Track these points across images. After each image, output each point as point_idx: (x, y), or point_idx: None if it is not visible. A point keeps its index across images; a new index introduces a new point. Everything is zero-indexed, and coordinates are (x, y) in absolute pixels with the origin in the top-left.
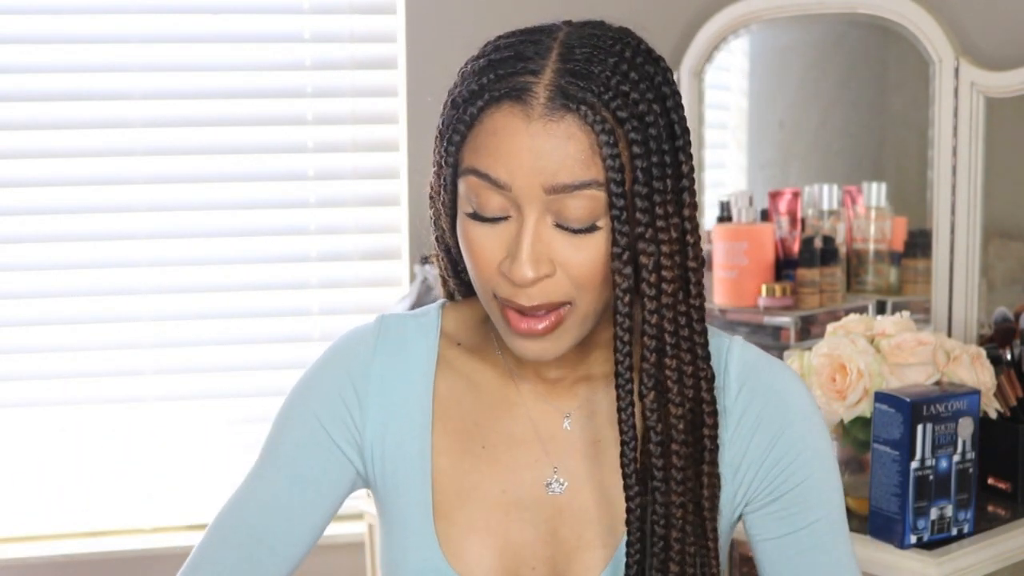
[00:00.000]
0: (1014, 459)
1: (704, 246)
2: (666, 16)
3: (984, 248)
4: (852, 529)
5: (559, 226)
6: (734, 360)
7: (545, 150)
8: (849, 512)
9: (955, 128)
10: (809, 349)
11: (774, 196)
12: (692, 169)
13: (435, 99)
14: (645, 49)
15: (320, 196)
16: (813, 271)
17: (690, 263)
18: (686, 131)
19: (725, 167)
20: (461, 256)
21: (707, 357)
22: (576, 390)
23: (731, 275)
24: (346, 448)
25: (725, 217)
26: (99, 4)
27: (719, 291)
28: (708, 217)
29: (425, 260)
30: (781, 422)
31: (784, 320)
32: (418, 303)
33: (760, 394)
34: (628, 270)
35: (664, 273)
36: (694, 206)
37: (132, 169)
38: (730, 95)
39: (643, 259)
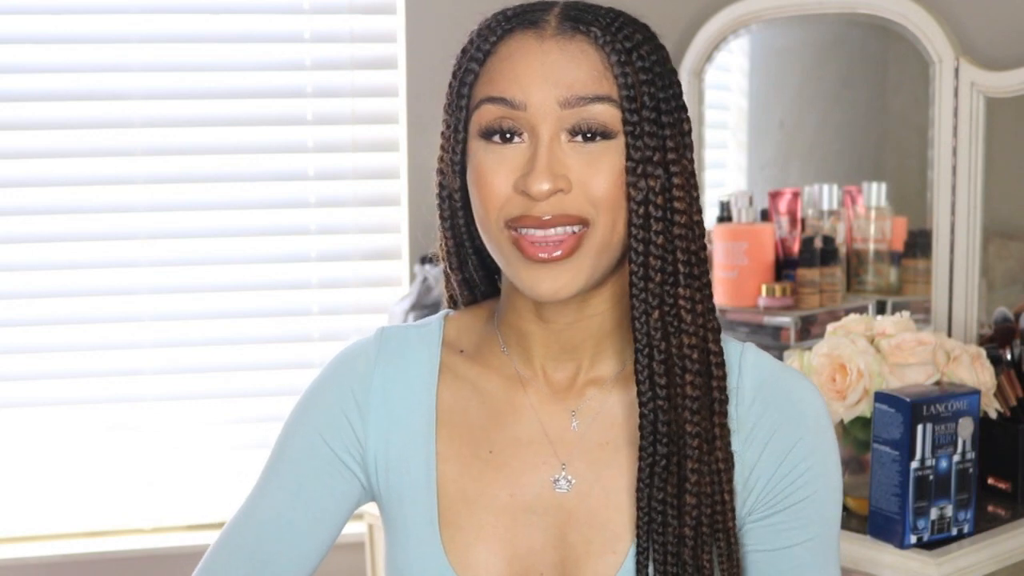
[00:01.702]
0: (1014, 459)
1: None
2: (666, 16)
3: (984, 248)
4: (852, 529)
5: (574, 141)
6: (748, 366)
7: (559, 64)
8: (849, 512)
9: (955, 128)
10: (809, 349)
11: (774, 196)
12: (690, 131)
13: (435, 98)
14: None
15: (320, 196)
16: (813, 271)
17: (695, 215)
18: (682, 98)
19: (725, 167)
20: (466, 245)
21: (711, 296)
22: (585, 392)
23: (731, 275)
24: (350, 462)
25: (725, 217)
26: (99, 4)
27: (719, 291)
28: (708, 217)
29: (425, 260)
30: (795, 434)
31: (784, 320)
32: (418, 303)
33: (776, 406)
34: (643, 183)
35: (675, 192)
36: (692, 164)
37: (132, 169)
38: (730, 95)
39: (651, 182)
